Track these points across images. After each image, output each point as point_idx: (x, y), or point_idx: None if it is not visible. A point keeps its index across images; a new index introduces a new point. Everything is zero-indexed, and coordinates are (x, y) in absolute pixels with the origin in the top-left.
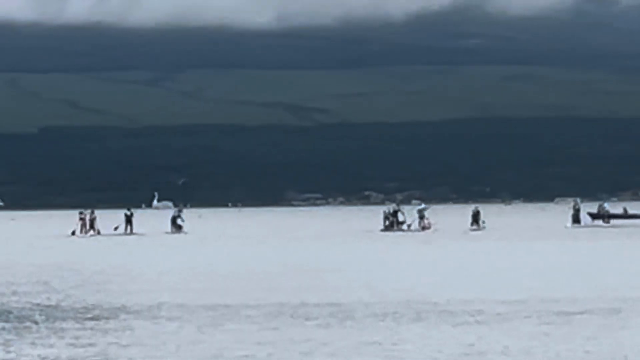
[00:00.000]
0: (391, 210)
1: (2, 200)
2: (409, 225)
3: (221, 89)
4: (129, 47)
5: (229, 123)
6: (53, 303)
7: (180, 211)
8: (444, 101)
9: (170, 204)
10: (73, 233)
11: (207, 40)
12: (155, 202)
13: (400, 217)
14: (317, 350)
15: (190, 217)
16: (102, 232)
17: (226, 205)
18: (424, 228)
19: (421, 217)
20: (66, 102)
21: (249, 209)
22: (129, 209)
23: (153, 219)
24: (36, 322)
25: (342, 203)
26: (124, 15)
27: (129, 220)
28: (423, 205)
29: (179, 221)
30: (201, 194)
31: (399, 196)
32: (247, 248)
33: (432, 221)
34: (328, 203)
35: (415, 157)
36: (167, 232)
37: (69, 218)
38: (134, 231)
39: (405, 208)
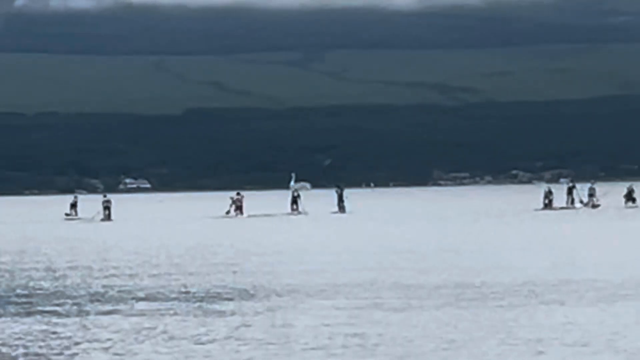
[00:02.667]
0: (569, 186)
1: (150, 182)
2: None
3: (367, 69)
4: (275, 28)
5: (375, 103)
6: (215, 283)
7: (342, 191)
8: (590, 79)
9: (307, 185)
10: (227, 213)
11: (352, 21)
12: (292, 183)
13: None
14: (503, 332)
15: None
16: (246, 214)
17: (368, 186)
18: (593, 206)
19: (591, 195)
20: (211, 84)
21: (397, 189)
22: (295, 190)
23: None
24: (199, 302)
25: (489, 182)
26: None
27: (295, 200)
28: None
29: (345, 201)
30: (347, 175)
31: (546, 175)
32: (408, 227)
33: (601, 198)
34: (475, 182)
35: (562, 135)
36: (333, 212)
37: (217, 199)
38: (300, 210)
39: (554, 187)
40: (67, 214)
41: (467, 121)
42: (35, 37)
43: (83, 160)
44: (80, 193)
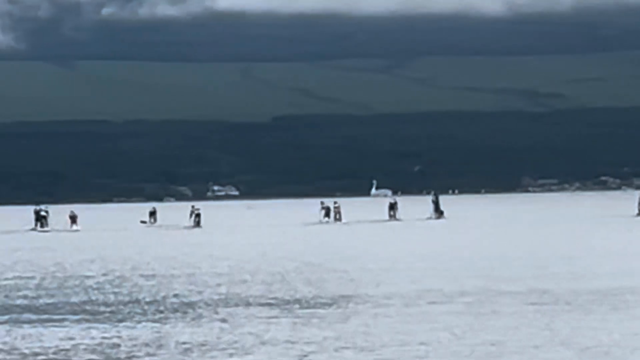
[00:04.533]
0: None
1: (238, 189)
2: None
3: (454, 76)
4: (362, 35)
5: (463, 110)
6: (323, 290)
7: (436, 196)
8: None
9: (388, 192)
10: (325, 218)
11: (440, 28)
12: (373, 190)
13: None
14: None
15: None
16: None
17: (453, 192)
18: None
19: None
20: (299, 91)
21: (486, 196)
22: (393, 198)
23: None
24: (309, 309)
25: (577, 188)
26: (356, 3)
27: (392, 207)
28: None
29: (441, 207)
30: (435, 181)
31: (635, 181)
32: (507, 233)
33: None
34: (564, 189)
35: None
36: (429, 218)
37: (306, 206)
38: (397, 217)
39: None
40: (142, 222)
41: (555, 127)
42: (122, 44)
43: (171, 168)
44: (168, 200)
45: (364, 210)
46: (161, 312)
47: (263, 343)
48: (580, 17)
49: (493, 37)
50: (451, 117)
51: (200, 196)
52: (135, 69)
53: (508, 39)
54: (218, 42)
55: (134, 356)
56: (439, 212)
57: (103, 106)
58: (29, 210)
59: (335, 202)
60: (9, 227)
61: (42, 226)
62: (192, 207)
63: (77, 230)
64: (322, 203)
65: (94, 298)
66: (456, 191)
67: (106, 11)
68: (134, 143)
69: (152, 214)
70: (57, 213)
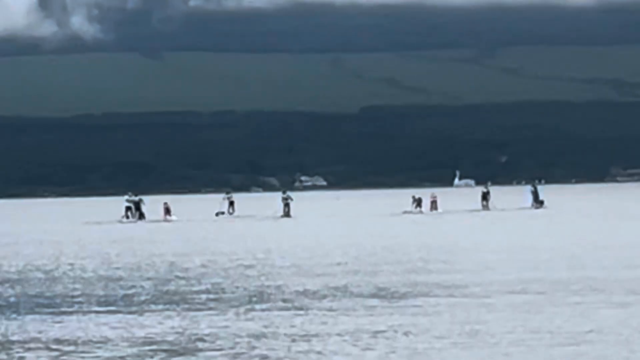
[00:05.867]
0: None
1: (325, 180)
2: None
3: (543, 66)
4: (451, 25)
5: (551, 100)
6: (414, 280)
7: (535, 186)
8: None
9: (471, 182)
10: (418, 206)
11: (528, 17)
12: (456, 180)
13: None
14: None
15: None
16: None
17: (539, 183)
18: None
19: None
20: (387, 81)
21: (573, 186)
22: (485, 187)
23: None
24: (397, 299)
25: None
26: None
27: (484, 196)
28: None
29: (540, 196)
30: (523, 171)
31: None
32: (609, 223)
33: None
34: None
35: None
36: (526, 207)
37: (395, 196)
38: (490, 207)
39: None
40: (218, 213)
41: None
42: (210, 35)
43: (259, 159)
44: (256, 191)
45: (452, 200)
46: (265, 302)
47: (367, 333)
48: None
49: (581, 27)
50: (539, 107)
51: (288, 186)
52: (222, 60)
53: (596, 29)
54: (305, 33)
55: (240, 346)
56: (538, 202)
57: (191, 97)
58: (119, 201)
59: (432, 194)
60: (101, 218)
61: (127, 217)
62: (284, 192)
63: (172, 221)
64: (413, 197)
65: (196, 289)
66: (543, 181)
67: (194, 2)
68: (221, 134)
69: (231, 204)
70: (148, 204)
